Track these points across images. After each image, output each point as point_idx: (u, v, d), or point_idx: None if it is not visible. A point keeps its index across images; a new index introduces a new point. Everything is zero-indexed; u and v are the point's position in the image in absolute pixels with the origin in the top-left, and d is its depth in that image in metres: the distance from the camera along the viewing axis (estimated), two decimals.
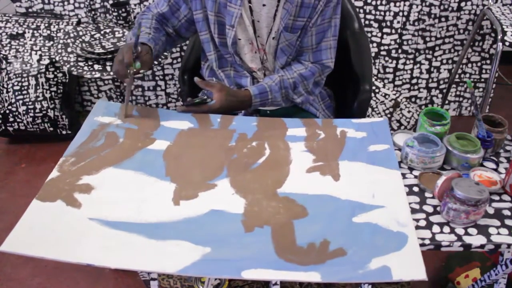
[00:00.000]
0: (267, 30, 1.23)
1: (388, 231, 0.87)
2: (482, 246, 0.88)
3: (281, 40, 1.22)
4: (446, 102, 2.43)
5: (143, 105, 2.42)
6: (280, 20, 1.19)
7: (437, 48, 2.29)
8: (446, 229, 0.90)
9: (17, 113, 2.13)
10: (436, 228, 0.90)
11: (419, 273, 0.79)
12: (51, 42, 2.16)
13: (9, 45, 2.16)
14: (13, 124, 2.17)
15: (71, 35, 1.94)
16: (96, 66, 1.74)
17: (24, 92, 2.11)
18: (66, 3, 2.19)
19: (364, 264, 0.81)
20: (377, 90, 2.14)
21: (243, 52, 1.28)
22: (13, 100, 2.11)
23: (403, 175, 1.03)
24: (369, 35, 2.22)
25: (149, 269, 0.83)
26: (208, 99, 1.21)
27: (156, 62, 1.80)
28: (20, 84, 2.12)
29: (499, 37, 1.78)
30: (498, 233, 0.89)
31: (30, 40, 2.16)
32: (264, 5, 1.18)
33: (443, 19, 2.21)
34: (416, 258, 0.82)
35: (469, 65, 2.36)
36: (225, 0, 1.18)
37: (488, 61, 2.35)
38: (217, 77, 1.36)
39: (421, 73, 2.36)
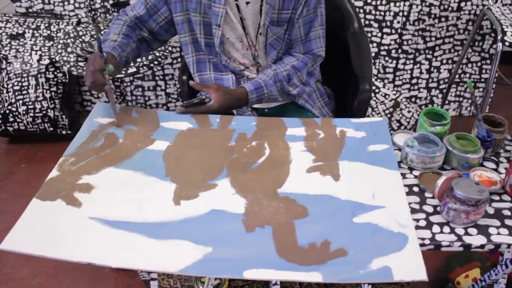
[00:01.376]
0: (254, 27, 1.23)
1: (389, 231, 0.87)
2: (482, 246, 0.88)
3: (268, 35, 1.23)
4: (446, 102, 2.43)
5: (143, 105, 2.42)
6: (265, 16, 1.20)
7: (437, 48, 2.29)
8: (446, 229, 0.90)
9: (17, 113, 2.13)
10: (436, 228, 0.90)
11: (420, 273, 0.79)
12: (51, 42, 2.16)
13: (9, 45, 2.16)
14: (13, 124, 2.17)
15: (71, 35, 1.94)
16: None
17: (24, 92, 2.12)
18: (66, 3, 2.19)
19: (365, 264, 0.81)
20: (377, 90, 2.14)
21: (234, 50, 1.28)
22: (13, 100, 2.12)
23: (403, 175, 1.03)
24: (369, 35, 2.22)
25: (151, 268, 0.83)
26: (206, 99, 1.22)
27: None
28: (20, 84, 2.12)
29: (499, 37, 1.78)
30: (498, 233, 0.89)
31: (30, 40, 2.16)
32: (248, 2, 1.19)
33: (443, 19, 2.21)
34: (417, 259, 0.82)
35: (469, 65, 2.36)
36: (208, 1, 1.18)
37: (488, 61, 2.35)
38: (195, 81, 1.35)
39: (421, 73, 2.36)
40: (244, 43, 1.27)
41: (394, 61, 2.31)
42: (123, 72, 1.72)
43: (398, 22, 2.20)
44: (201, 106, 1.21)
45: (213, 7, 1.18)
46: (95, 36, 1.93)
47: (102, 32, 1.95)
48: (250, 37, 1.25)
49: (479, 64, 2.36)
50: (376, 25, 2.20)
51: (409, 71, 2.35)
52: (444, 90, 2.40)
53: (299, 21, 1.23)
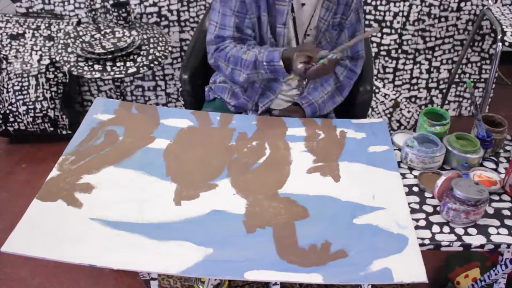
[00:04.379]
0: (303, 29, 1.24)
1: (389, 233, 0.87)
2: (482, 246, 0.88)
3: (322, 38, 1.24)
4: (446, 102, 2.43)
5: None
6: (318, 18, 1.21)
7: (437, 48, 2.29)
8: (446, 229, 0.90)
9: (17, 113, 2.13)
10: (436, 228, 0.90)
11: (420, 275, 0.80)
12: (52, 42, 2.16)
13: (9, 45, 2.16)
14: (13, 124, 2.17)
15: (71, 35, 1.94)
16: (96, 66, 1.74)
17: (24, 92, 2.11)
18: (66, 3, 2.19)
19: (365, 266, 0.81)
20: (377, 90, 2.14)
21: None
22: (13, 100, 2.11)
23: (403, 175, 1.03)
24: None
25: (152, 269, 0.83)
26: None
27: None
28: (20, 84, 2.12)
29: (498, 37, 1.78)
30: (498, 233, 0.89)
31: (31, 40, 2.16)
32: (303, 4, 1.20)
33: (443, 19, 2.21)
34: (417, 260, 0.82)
35: (469, 65, 2.36)
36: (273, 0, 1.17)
37: (487, 61, 2.35)
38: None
39: (421, 73, 2.36)
40: (291, 45, 1.26)
41: (394, 61, 2.31)
42: (123, 72, 1.72)
43: (398, 22, 2.20)
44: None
45: (278, 5, 1.18)
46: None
47: (102, 32, 1.95)
48: (298, 37, 1.26)
49: (479, 64, 2.36)
50: (376, 25, 2.20)
51: (409, 71, 2.35)
52: (444, 90, 2.40)
53: (347, 25, 1.25)
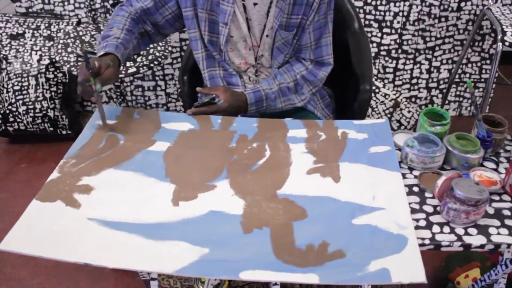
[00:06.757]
0: (260, 28, 1.23)
1: (388, 233, 0.87)
2: (482, 246, 0.88)
3: (277, 38, 1.23)
4: (446, 102, 2.43)
5: (143, 105, 2.42)
6: (273, 19, 1.20)
7: (437, 48, 2.29)
8: (446, 229, 0.90)
9: (17, 113, 2.13)
10: (436, 228, 0.90)
11: (419, 275, 0.79)
12: (51, 42, 2.16)
13: (9, 45, 2.16)
14: (13, 124, 2.17)
15: (71, 35, 1.94)
16: None
17: (24, 92, 2.12)
18: (66, 3, 2.19)
19: (363, 266, 0.80)
20: (377, 90, 2.14)
21: (236, 49, 1.28)
22: (13, 100, 2.12)
23: (403, 175, 1.03)
24: (369, 35, 2.22)
25: (147, 269, 0.83)
26: (216, 99, 1.22)
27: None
28: (20, 84, 2.12)
29: (499, 37, 1.78)
30: (498, 233, 0.89)
31: (30, 40, 2.16)
32: (255, 3, 1.19)
33: (443, 19, 2.21)
34: (416, 261, 0.81)
35: (469, 65, 2.36)
36: None
37: (488, 61, 2.35)
38: (204, 78, 1.35)
39: (421, 73, 2.36)
40: (247, 43, 1.26)
41: (394, 61, 2.31)
42: (123, 72, 1.72)
43: (398, 22, 2.20)
44: (212, 106, 1.21)
45: (221, 5, 1.18)
46: (94, 36, 1.93)
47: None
48: (254, 38, 1.25)
49: (479, 64, 2.36)
50: (376, 25, 2.20)
51: (409, 71, 2.35)
52: (444, 90, 2.40)
53: (310, 27, 1.23)
